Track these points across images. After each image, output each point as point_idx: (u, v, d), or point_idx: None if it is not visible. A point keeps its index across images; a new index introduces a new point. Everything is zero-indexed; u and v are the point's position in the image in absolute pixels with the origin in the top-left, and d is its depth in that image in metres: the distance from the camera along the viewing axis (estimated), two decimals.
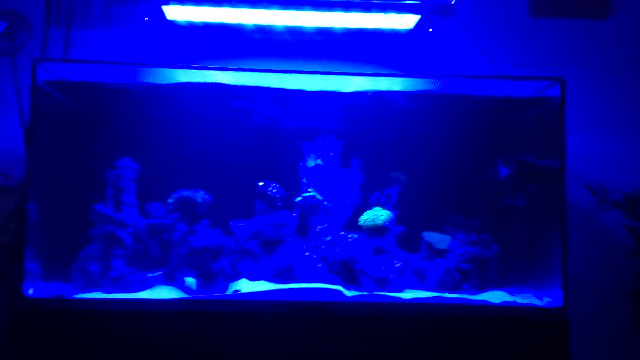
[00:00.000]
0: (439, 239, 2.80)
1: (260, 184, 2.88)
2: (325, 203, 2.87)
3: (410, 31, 3.00)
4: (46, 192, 2.57)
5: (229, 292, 2.54)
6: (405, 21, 2.91)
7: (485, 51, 3.07)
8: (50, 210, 2.59)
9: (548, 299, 2.51)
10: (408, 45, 3.09)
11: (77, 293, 2.48)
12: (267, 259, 2.76)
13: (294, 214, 2.88)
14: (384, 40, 3.08)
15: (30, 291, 2.42)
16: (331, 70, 2.71)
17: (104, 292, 2.52)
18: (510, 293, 2.66)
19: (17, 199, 2.73)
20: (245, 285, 2.60)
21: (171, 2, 2.78)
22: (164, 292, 2.55)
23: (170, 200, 2.76)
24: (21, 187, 2.70)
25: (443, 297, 2.55)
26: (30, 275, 2.43)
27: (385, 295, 2.55)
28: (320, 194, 2.88)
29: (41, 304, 2.39)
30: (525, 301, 2.55)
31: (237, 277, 2.67)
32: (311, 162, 2.93)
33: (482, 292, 2.68)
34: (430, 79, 2.76)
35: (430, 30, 3.03)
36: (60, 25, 2.98)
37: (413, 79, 2.81)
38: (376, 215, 2.78)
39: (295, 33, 3.06)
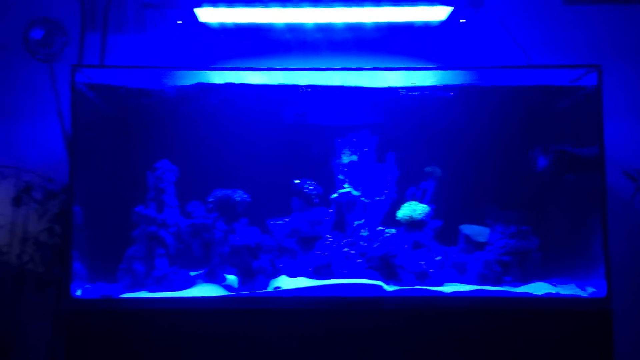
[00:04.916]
0: (478, 232, 2.79)
1: (296, 181, 2.90)
2: (361, 199, 2.88)
3: (442, 23, 2.98)
4: (89, 194, 2.63)
5: (270, 289, 2.56)
6: (437, 13, 2.89)
7: (519, 41, 3.04)
8: (94, 212, 2.65)
9: (591, 289, 2.49)
10: (440, 37, 3.07)
11: (124, 293, 2.54)
12: (305, 256, 2.79)
13: (331, 211, 2.89)
14: (415, 34, 3.07)
15: (79, 292, 2.48)
16: (363, 66, 2.71)
17: (150, 291, 2.58)
18: (553, 284, 2.64)
19: (61, 202, 2.81)
20: (285, 282, 2.63)
21: (203, 4, 2.80)
22: (207, 290, 2.60)
23: (209, 200, 2.80)
24: (65, 190, 2.78)
25: (485, 290, 2.54)
26: (77, 276, 2.49)
27: (425, 289, 2.56)
28: (356, 189, 2.89)
29: (89, 305, 2.44)
30: (568, 292, 2.53)
31: (277, 274, 2.69)
32: (346, 158, 2.94)
33: (524, 284, 2.66)
34: (464, 70, 2.75)
35: (463, 21, 3.01)
36: (96, 31, 3.03)
37: (447, 72, 2.80)
38: (413, 209, 2.78)
39: (325, 30, 3.07)
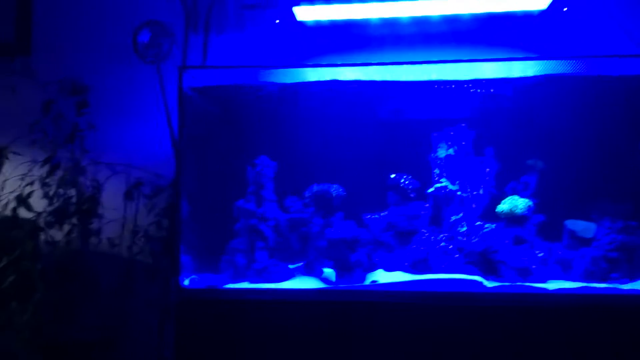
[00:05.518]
0: (584, 228, 2.67)
1: (392, 176, 2.90)
2: (459, 193, 2.83)
3: (543, 12, 2.88)
4: (194, 189, 2.75)
5: (367, 282, 2.58)
6: (539, 2, 2.80)
7: (626, 28, 2.89)
8: (199, 206, 2.77)
9: None
10: (541, 27, 2.97)
11: (227, 283, 2.65)
12: (402, 250, 2.78)
13: (427, 205, 2.87)
14: (515, 24, 2.99)
15: (186, 282, 2.61)
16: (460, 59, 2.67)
17: (251, 282, 2.67)
18: None
19: (168, 197, 2.96)
20: (382, 276, 2.64)
21: (301, 3, 2.86)
22: (305, 283, 2.66)
23: (306, 195, 2.86)
24: (171, 185, 2.93)
25: (591, 287, 2.44)
26: (184, 267, 2.62)
27: (528, 285, 2.49)
28: (453, 184, 2.85)
29: (196, 294, 2.57)
30: None
31: (374, 268, 2.71)
32: (442, 152, 2.90)
33: (633, 281, 2.53)
34: (567, 60, 2.65)
35: (565, 9, 2.90)
36: (199, 32, 3.16)
37: (548, 62, 2.70)
38: (514, 204, 2.70)
39: (421, 24, 3.05)
